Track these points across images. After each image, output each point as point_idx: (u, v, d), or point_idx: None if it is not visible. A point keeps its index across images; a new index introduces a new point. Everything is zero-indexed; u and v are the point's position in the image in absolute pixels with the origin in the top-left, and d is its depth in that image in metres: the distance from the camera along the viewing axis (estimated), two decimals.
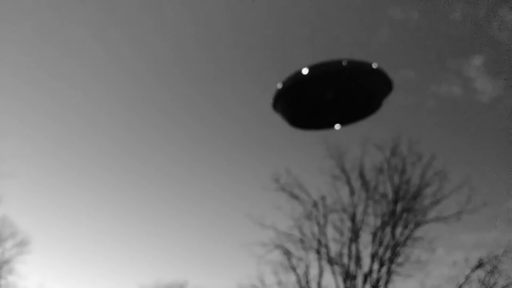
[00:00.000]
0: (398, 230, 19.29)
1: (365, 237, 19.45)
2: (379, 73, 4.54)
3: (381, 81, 4.62)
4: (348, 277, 19.00)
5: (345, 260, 19.28)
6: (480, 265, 18.16)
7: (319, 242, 19.83)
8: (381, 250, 19.05)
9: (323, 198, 20.15)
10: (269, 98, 4.89)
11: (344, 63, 4.46)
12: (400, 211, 19.46)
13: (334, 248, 19.70)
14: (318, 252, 19.69)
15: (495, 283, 18.03)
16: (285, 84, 4.66)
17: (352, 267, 19.10)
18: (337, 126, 5.06)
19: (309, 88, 4.58)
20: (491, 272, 18.06)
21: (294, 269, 19.71)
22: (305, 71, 4.49)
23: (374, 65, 4.54)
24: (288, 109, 4.88)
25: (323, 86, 4.54)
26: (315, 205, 20.09)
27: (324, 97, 4.64)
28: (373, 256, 18.99)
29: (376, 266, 18.88)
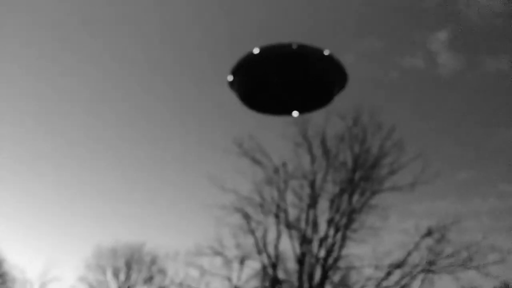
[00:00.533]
0: (355, 197, 19.86)
1: (323, 204, 19.95)
2: (331, 60, 4.47)
3: (334, 69, 4.55)
4: (305, 241, 19.52)
5: (303, 225, 19.77)
6: (429, 233, 18.98)
7: (278, 206, 20.20)
8: (337, 217, 19.58)
9: (284, 164, 20.40)
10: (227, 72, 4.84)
11: (294, 47, 4.38)
12: (358, 179, 19.96)
13: (292, 213, 20.15)
14: (277, 216, 20.06)
15: (442, 251, 18.93)
16: (236, 63, 4.58)
17: (309, 232, 19.61)
18: (295, 113, 5.04)
19: (258, 68, 4.50)
20: (439, 240, 18.92)
21: (252, 232, 20.08)
22: (256, 51, 4.41)
23: (326, 52, 4.48)
24: (240, 88, 4.81)
25: (273, 68, 4.46)
26: (276, 170, 20.34)
27: (273, 79, 4.57)
28: (330, 222, 19.52)
29: (332, 232, 19.45)
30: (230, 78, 4.73)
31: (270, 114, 5.31)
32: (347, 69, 4.71)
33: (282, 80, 4.49)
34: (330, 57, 4.51)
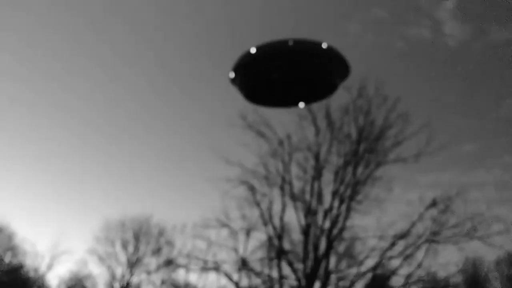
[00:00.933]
0: (360, 169, 19.89)
1: (328, 176, 20.04)
2: (330, 52, 4.36)
3: (334, 61, 4.45)
4: (310, 212, 19.69)
5: (307, 196, 19.92)
6: (433, 204, 19.06)
7: (283, 179, 20.31)
8: (342, 188, 19.68)
9: (288, 136, 20.42)
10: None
11: (290, 43, 4.29)
12: (363, 151, 19.95)
13: (297, 185, 20.27)
14: (281, 188, 20.21)
15: (446, 222, 19.04)
16: (236, 63, 4.51)
17: (314, 204, 19.77)
18: (301, 105, 4.99)
19: (257, 68, 4.44)
20: (444, 211, 19.01)
21: (258, 204, 20.28)
22: (253, 50, 4.34)
23: (324, 45, 4.36)
24: (242, 87, 4.76)
25: (272, 65, 4.39)
26: (280, 143, 20.38)
27: (274, 77, 4.51)
28: (334, 194, 19.64)
29: (336, 203, 19.59)
30: (232, 75, 4.68)
31: (275, 107, 5.29)
32: (347, 59, 4.63)
33: (282, 77, 4.44)
34: (329, 49, 4.42)
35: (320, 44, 4.38)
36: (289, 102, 5.09)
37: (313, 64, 4.44)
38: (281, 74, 4.48)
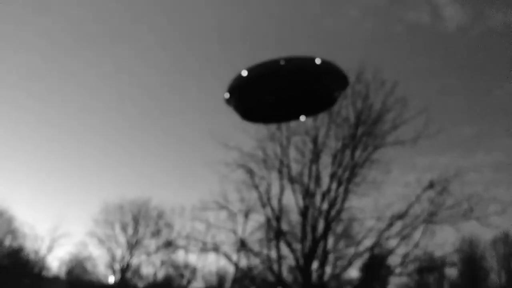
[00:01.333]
0: (357, 152, 20.04)
1: (326, 159, 20.18)
2: (325, 67, 4.22)
3: (330, 75, 4.31)
4: (308, 195, 19.90)
5: (305, 179, 20.10)
6: (431, 185, 19.24)
7: (281, 162, 20.47)
8: (340, 171, 19.86)
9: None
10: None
11: (282, 63, 4.15)
12: (361, 134, 20.07)
13: (295, 168, 20.44)
14: (280, 171, 20.38)
15: (443, 203, 19.26)
16: (229, 86, 4.42)
17: (312, 186, 19.96)
18: (302, 118, 4.89)
19: (251, 91, 4.33)
20: (441, 193, 19.20)
21: (256, 187, 20.47)
22: (244, 73, 4.24)
23: (318, 61, 4.23)
24: (238, 110, 4.67)
25: (265, 88, 4.26)
26: (278, 127, 20.45)
27: (268, 100, 4.40)
28: (332, 176, 19.82)
29: (334, 185, 19.79)
30: (227, 95, 4.58)
31: (275, 123, 5.24)
32: (343, 71, 4.51)
33: (277, 98, 4.32)
34: (323, 64, 4.26)
35: (313, 60, 4.24)
36: (289, 117, 5.00)
37: (308, 82, 4.31)
38: (275, 96, 4.36)
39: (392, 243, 19.49)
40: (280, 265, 20.32)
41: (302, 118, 4.85)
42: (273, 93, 4.34)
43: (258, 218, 20.94)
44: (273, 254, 20.48)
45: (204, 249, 21.57)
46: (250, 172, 20.44)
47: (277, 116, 4.91)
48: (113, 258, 35.19)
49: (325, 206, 19.69)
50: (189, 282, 34.71)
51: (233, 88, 4.48)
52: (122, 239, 35.59)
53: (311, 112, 4.77)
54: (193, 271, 34.47)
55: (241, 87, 4.36)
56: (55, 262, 37.09)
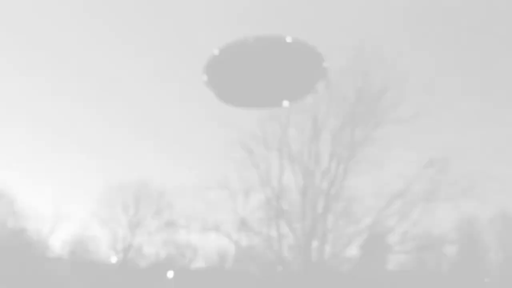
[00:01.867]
0: (357, 130, 19.95)
1: (325, 137, 20.09)
2: (296, 45, 4.10)
3: (303, 54, 4.19)
4: (307, 174, 19.90)
5: (305, 158, 20.07)
6: (430, 163, 19.23)
7: (281, 141, 20.40)
8: (339, 149, 19.81)
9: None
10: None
11: (250, 41, 4.06)
12: (361, 112, 19.93)
13: (295, 147, 20.38)
14: (279, 150, 20.34)
15: (443, 180, 19.26)
16: (204, 66, 4.34)
17: (312, 165, 19.94)
18: (285, 103, 4.76)
19: (223, 69, 4.26)
20: (441, 171, 19.21)
21: (256, 166, 20.45)
22: (216, 52, 4.16)
23: (288, 39, 4.14)
24: (214, 89, 4.58)
25: (240, 65, 4.17)
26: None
27: (242, 76, 4.29)
28: (332, 155, 19.79)
29: (334, 164, 19.79)
30: (205, 77, 4.48)
31: (255, 107, 5.06)
32: (318, 49, 4.35)
33: (251, 75, 4.22)
34: (295, 42, 4.12)
35: (283, 39, 4.10)
36: (270, 102, 4.88)
37: (278, 61, 4.18)
38: (247, 76, 4.26)
39: (392, 221, 19.60)
40: (280, 244, 20.45)
41: (285, 103, 4.71)
42: (245, 72, 4.25)
43: (258, 197, 20.98)
44: (274, 233, 20.59)
45: (205, 228, 21.68)
46: (250, 152, 20.42)
47: (257, 99, 4.78)
48: (115, 238, 35.41)
49: (325, 185, 19.73)
50: (190, 261, 34.99)
51: (206, 69, 4.40)
52: (123, 219, 35.74)
53: (290, 95, 4.61)
54: (194, 250, 34.70)
55: (213, 66, 4.31)
56: (58, 242, 37.28)
